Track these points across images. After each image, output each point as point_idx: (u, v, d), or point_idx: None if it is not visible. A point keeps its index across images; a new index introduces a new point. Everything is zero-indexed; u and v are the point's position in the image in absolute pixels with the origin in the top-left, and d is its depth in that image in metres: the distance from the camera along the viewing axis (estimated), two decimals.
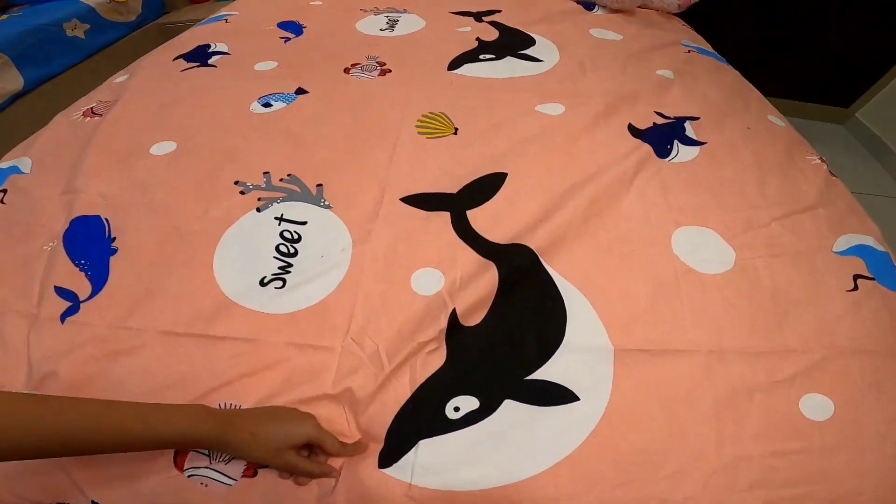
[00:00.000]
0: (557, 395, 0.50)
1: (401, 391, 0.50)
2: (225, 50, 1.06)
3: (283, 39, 1.09)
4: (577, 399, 0.50)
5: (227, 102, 0.85)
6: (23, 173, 0.76)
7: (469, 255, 0.59)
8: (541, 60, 0.99)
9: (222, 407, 0.50)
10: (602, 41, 1.11)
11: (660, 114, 0.86)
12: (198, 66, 1.00)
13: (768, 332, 0.55)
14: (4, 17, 1.77)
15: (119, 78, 1.02)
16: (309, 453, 0.47)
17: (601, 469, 0.47)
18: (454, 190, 0.68)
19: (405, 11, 1.22)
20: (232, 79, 0.94)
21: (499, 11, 1.22)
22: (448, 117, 0.81)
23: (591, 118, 0.82)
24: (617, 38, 1.14)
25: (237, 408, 0.50)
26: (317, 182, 0.69)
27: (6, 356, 0.54)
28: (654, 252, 0.62)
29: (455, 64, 0.96)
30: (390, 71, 0.94)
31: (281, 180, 0.69)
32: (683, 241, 0.64)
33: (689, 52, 1.13)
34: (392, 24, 1.14)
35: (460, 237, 0.61)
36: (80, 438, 0.39)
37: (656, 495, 0.46)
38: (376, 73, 0.94)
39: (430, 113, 0.81)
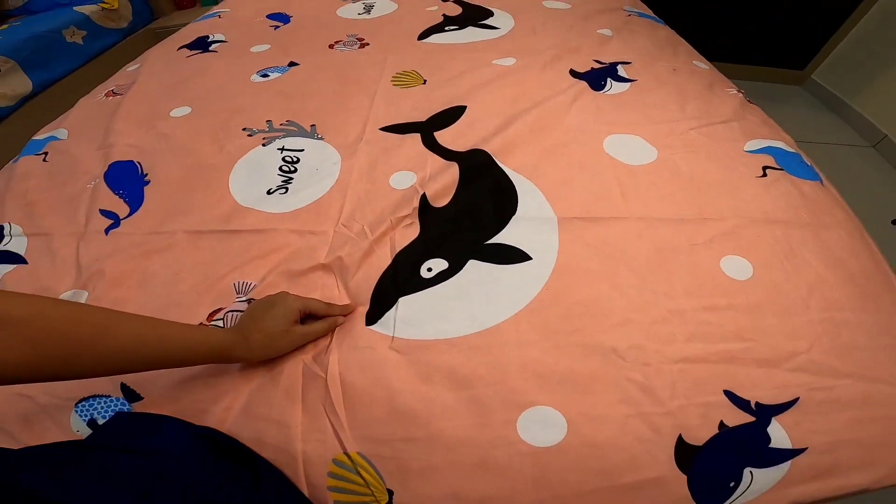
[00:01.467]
0: (513, 255, 0.63)
1: (382, 258, 0.64)
2: (222, 38, 1.24)
3: (274, 27, 1.28)
4: (530, 258, 0.62)
5: (230, 75, 1.04)
6: (60, 140, 0.92)
7: (436, 160, 0.76)
8: (498, 28, 1.17)
9: (237, 286, 0.63)
10: (553, 10, 1.30)
11: (597, 61, 1.03)
12: (201, 53, 1.17)
13: (687, 205, 0.68)
14: (5, 26, 1.96)
15: (131, 67, 1.19)
16: (304, 321, 0.56)
17: (555, 319, 0.56)
18: (421, 119, 0.85)
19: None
20: (232, 58, 1.12)
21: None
22: (419, 73, 0.99)
23: (538, 66, 1.00)
24: (566, 6, 1.32)
25: (250, 286, 0.63)
26: (311, 123, 0.86)
27: (54, 266, 0.68)
28: (588, 151, 0.78)
29: (424, 35, 1.15)
30: (368, 44, 1.12)
31: (281, 124, 0.87)
32: (614, 143, 0.79)
33: (629, 15, 1.32)
34: (368, 9, 1.33)
35: (429, 149, 0.78)
36: (130, 352, 0.43)
37: (606, 342, 0.54)
38: (356, 46, 1.12)
39: (404, 71, 0.99)
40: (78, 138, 0.92)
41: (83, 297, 0.63)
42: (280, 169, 0.77)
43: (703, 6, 2.13)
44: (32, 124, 1.68)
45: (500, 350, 0.54)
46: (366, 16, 1.29)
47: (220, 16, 1.43)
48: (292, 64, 1.06)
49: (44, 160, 0.87)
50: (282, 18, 1.33)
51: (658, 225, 0.66)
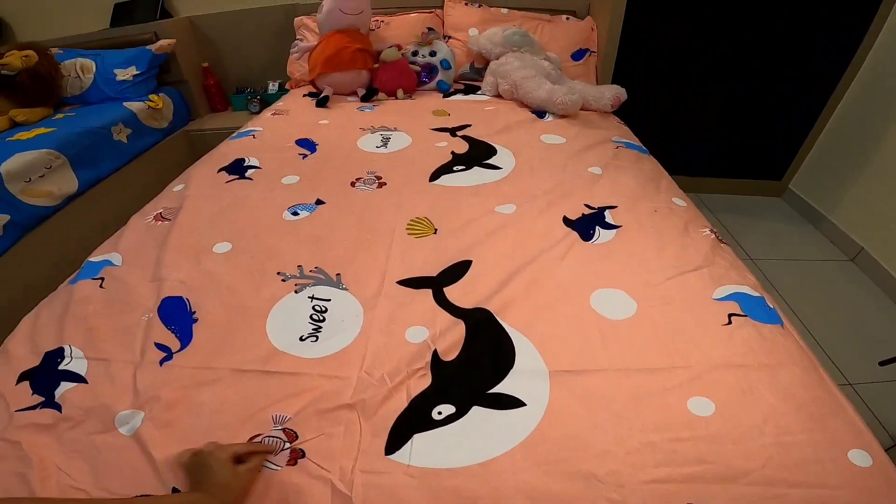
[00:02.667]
0: (510, 402, 0.75)
1: (399, 402, 0.76)
2: (257, 164, 1.43)
3: (302, 156, 1.47)
4: (525, 405, 0.74)
5: (264, 211, 1.20)
6: (115, 265, 1.07)
7: (445, 316, 0.90)
8: (500, 168, 1.37)
9: (274, 417, 0.74)
10: (550, 145, 1.51)
11: (587, 205, 1.21)
12: (238, 179, 1.35)
13: (660, 355, 0.81)
14: (61, 115, 2.19)
15: (176, 187, 1.36)
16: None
17: (545, 451, 0.67)
18: (433, 273, 1.00)
19: (395, 130, 1.63)
20: (266, 190, 1.30)
21: (469, 126, 1.63)
22: (430, 220, 1.16)
23: (535, 213, 1.17)
24: (561, 141, 1.53)
25: (286, 418, 0.75)
26: (336, 272, 1.01)
27: (113, 387, 0.79)
28: (576, 307, 0.91)
29: (434, 175, 1.34)
30: (385, 183, 1.31)
31: (310, 271, 1.01)
32: (599, 298, 0.93)
33: (617, 147, 1.52)
34: (385, 142, 1.53)
35: (439, 305, 0.92)
36: None
37: (588, 469, 0.65)
38: (375, 185, 1.31)
39: (417, 218, 1.17)
40: (131, 265, 1.06)
41: (140, 417, 0.74)
42: (311, 317, 0.90)
43: (681, 122, 2.37)
44: (75, 226, 1.89)
45: (497, 477, 0.65)
46: (383, 149, 1.50)
47: (254, 136, 1.65)
48: (319, 202, 1.23)
49: (100, 285, 1.01)
50: (309, 146, 1.54)
51: (634, 374, 0.79)
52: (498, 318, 0.89)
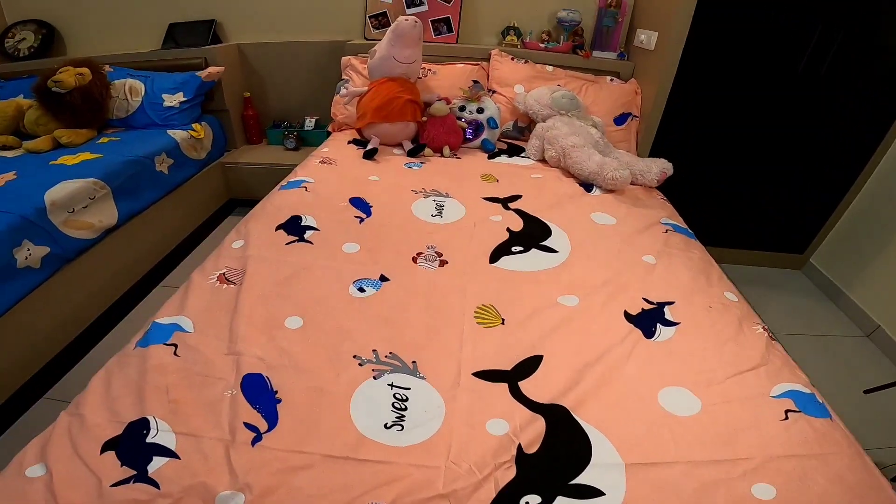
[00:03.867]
0: (591, 492, 0.81)
1: (488, 492, 0.80)
2: (314, 225, 1.47)
3: (358, 219, 1.51)
4: (604, 494, 0.80)
5: (330, 284, 1.24)
6: (186, 331, 1.09)
7: (524, 411, 0.95)
8: (557, 251, 1.41)
9: None
10: (601, 226, 1.55)
11: (646, 300, 1.25)
12: (297, 241, 1.39)
13: (724, 448, 0.88)
14: (105, 139, 2.22)
15: (235, 243, 1.39)
16: None
17: None
18: (508, 367, 1.04)
19: (447, 196, 1.67)
20: (327, 258, 1.33)
21: (520, 197, 1.68)
22: (496, 309, 1.19)
23: (597, 308, 1.21)
24: (612, 221, 1.58)
25: None
26: (412, 360, 1.04)
27: (208, 465, 0.82)
28: (646, 405, 0.97)
29: (494, 256, 1.38)
30: (447, 262, 1.35)
31: (385, 357, 1.05)
32: (666, 397, 0.99)
33: (666, 231, 1.57)
34: (440, 210, 1.57)
35: (516, 399, 0.97)
36: None
37: None
38: (436, 263, 1.34)
39: (483, 305, 1.20)
40: (204, 334, 1.09)
41: (241, 500, 0.77)
42: (393, 405, 0.94)
43: (709, 193, 2.42)
44: (113, 259, 1.94)
45: None
46: (439, 219, 1.54)
47: (305, 188, 1.69)
48: (383, 278, 1.26)
49: (175, 353, 1.03)
50: (363, 207, 1.58)
51: (702, 466, 0.85)
52: (574, 415, 0.94)
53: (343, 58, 2.47)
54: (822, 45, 1.97)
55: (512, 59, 2.38)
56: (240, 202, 2.79)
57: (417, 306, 1.18)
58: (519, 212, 1.60)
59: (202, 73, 2.45)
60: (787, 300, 2.38)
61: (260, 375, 0.98)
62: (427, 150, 2.01)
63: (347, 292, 1.22)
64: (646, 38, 2.26)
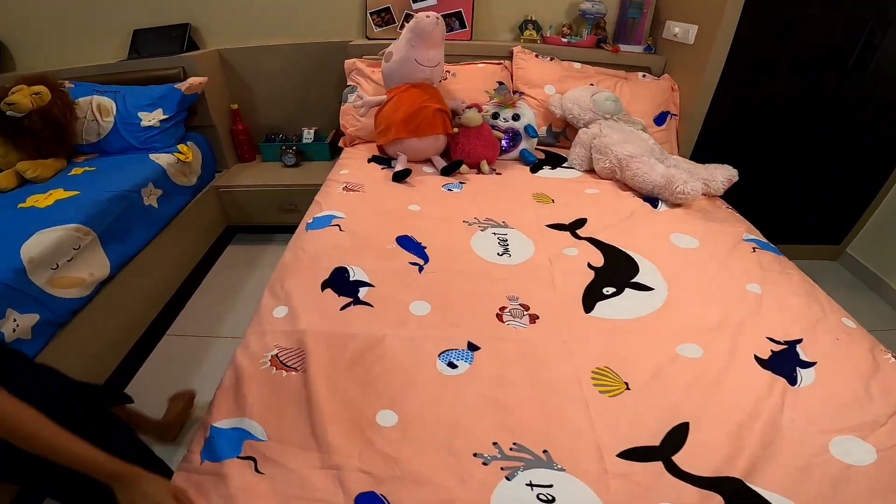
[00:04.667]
0: None
1: None
2: (366, 279, 1.24)
3: (416, 267, 1.29)
4: None
5: (412, 361, 1.02)
6: (258, 439, 0.87)
7: (692, 490, 0.79)
8: (652, 288, 1.24)
9: None
10: (687, 251, 1.39)
11: (771, 339, 1.10)
12: (353, 304, 1.16)
13: None
14: (79, 170, 1.89)
15: (278, 311, 1.15)
16: None
17: None
18: (653, 441, 0.88)
19: (506, 226, 1.48)
20: (397, 325, 1.11)
21: (585, 221, 1.50)
22: (614, 371, 1.01)
23: (724, 356, 1.05)
24: (695, 243, 1.42)
25: None
26: (542, 448, 0.86)
27: None
28: (821, 461, 0.85)
29: (588, 303, 1.19)
30: (538, 317, 1.15)
31: (511, 449, 0.85)
32: (837, 448, 0.87)
33: (753, 249, 1.43)
34: (505, 247, 1.37)
35: (677, 477, 0.81)
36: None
37: None
38: (526, 318, 1.14)
39: (598, 368, 1.02)
40: (284, 443, 0.86)
41: None
42: None
43: (742, 190, 2.30)
44: (113, 315, 1.67)
45: None
46: (508, 259, 1.33)
47: (339, 227, 1.45)
48: (472, 347, 1.06)
49: (256, 469, 0.82)
50: (416, 250, 1.36)
51: None
52: (751, 486, 0.81)
53: (347, 61, 2.21)
54: (871, 40, 1.86)
55: (536, 56, 2.18)
56: (240, 229, 2.51)
57: (523, 379, 0.99)
58: (593, 241, 1.42)
59: (182, 86, 2.14)
60: (826, 290, 2.27)
61: (374, 495, 0.78)
62: (463, 167, 1.79)
63: (436, 370, 1.01)
64: (681, 30, 2.10)
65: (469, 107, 1.86)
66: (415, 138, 1.79)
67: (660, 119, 2.09)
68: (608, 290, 1.24)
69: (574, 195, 1.67)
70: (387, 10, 2.30)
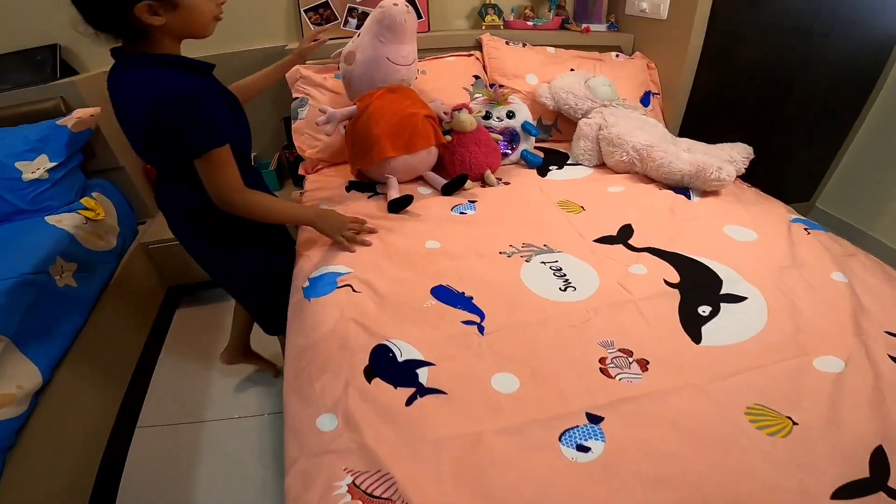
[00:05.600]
0: None
1: None
2: (419, 357, 0.93)
3: (474, 328, 1.00)
4: None
5: (534, 458, 0.75)
6: None
7: None
8: (745, 297, 1.07)
9: None
10: (752, 245, 1.24)
11: (890, 333, 0.97)
12: (418, 394, 0.86)
13: None
14: None
15: (323, 421, 0.81)
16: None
17: None
18: (860, 473, 0.71)
19: (550, 250, 1.23)
20: (491, 415, 0.82)
21: (631, 228, 1.31)
22: (769, 408, 0.82)
23: (867, 364, 0.89)
24: (753, 236, 1.28)
25: None
26: None
27: None
28: None
29: (694, 333, 0.98)
30: (647, 361, 0.92)
31: None
32: None
33: (808, 231, 1.31)
34: (564, 279, 1.13)
35: None
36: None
37: None
38: (635, 367, 0.91)
39: (750, 409, 0.82)
40: None
41: None
42: None
43: None
44: (63, 425, 1.23)
45: None
46: (575, 295, 1.08)
47: (352, 287, 1.11)
48: (594, 418, 0.80)
49: None
50: (464, 303, 1.06)
51: None
52: None
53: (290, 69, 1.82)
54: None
55: (507, 43, 1.94)
56: (186, 289, 2.03)
57: (675, 443, 0.76)
58: (653, 252, 1.22)
59: (68, 121, 1.63)
60: None
61: None
62: (468, 183, 1.52)
63: (567, 459, 0.74)
64: (650, 5, 1.97)
65: (456, 108, 1.58)
66: (406, 155, 1.47)
67: (644, 100, 1.95)
68: (704, 311, 1.04)
69: (600, 197, 1.47)
70: (324, 5, 1.94)
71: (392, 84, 1.52)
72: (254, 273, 1.24)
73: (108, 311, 1.53)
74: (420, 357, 0.93)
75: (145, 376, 1.70)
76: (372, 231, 1.27)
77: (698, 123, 2.01)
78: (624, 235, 1.28)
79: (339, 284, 1.12)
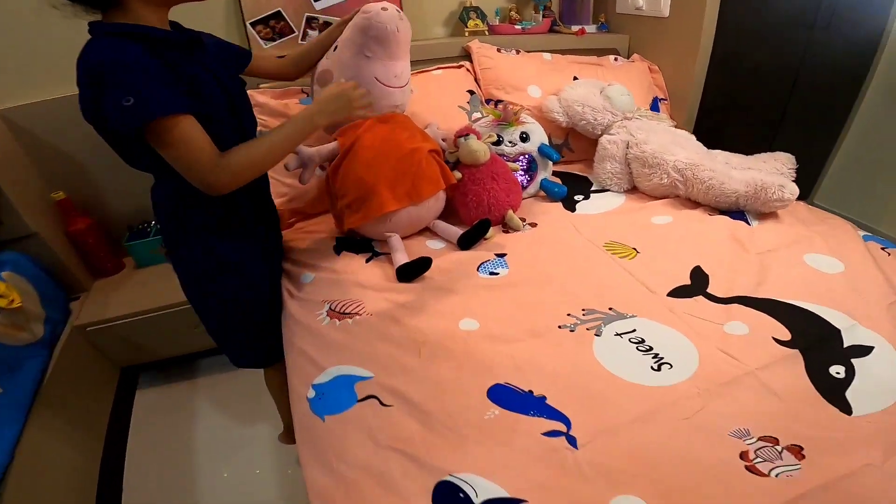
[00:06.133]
0: None
1: None
2: (503, 495, 0.64)
3: (561, 440, 0.72)
4: None
5: None
6: None
7: None
8: (871, 347, 0.86)
9: None
10: (843, 279, 1.03)
11: None
12: None
13: None
14: None
15: None
16: None
17: None
18: None
19: (620, 315, 0.96)
20: None
21: (702, 272, 1.07)
22: None
23: None
24: (837, 264, 1.08)
25: None
26: None
27: None
28: None
29: (840, 403, 0.76)
30: (800, 448, 0.69)
31: None
32: None
33: (886, 252, 1.14)
34: (655, 356, 0.86)
35: None
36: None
37: None
38: (788, 458, 0.67)
39: None
40: None
41: None
42: None
43: None
44: None
45: None
46: (674, 374, 0.82)
47: (380, 400, 0.80)
48: None
49: None
50: (536, 406, 0.77)
51: None
52: None
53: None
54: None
55: (499, 50, 1.67)
56: (144, 367, 1.66)
57: None
58: (744, 301, 0.98)
59: None
60: None
61: None
62: (490, 231, 1.22)
63: None
64: (647, 2, 1.77)
65: (460, 134, 1.29)
66: (412, 206, 1.17)
67: (654, 107, 1.75)
68: (838, 372, 0.82)
69: (649, 233, 1.22)
70: (276, 15, 1.59)
71: (382, 112, 1.22)
72: (231, 294, 1.04)
73: (48, 412, 1.16)
74: (505, 494, 0.65)
75: (114, 470, 1.36)
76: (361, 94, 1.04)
77: (710, 129, 1.82)
78: (700, 283, 1.04)
79: (360, 396, 0.81)
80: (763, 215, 1.27)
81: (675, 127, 1.51)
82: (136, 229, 1.69)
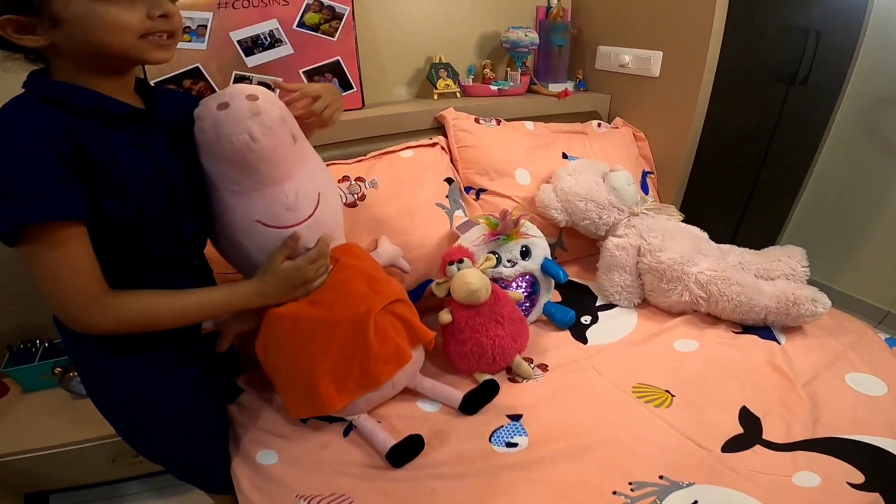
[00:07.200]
0: None
1: None
2: None
3: None
4: None
5: None
6: None
7: None
8: None
9: None
10: (889, 402, 0.91)
11: None
12: None
13: None
14: None
15: None
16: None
17: None
18: None
19: (672, 484, 0.76)
20: None
21: (751, 414, 0.90)
22: None
23: None
24: (878, 384, 0.95)
25: None
26: None
27: None
28: None
29: None
30: None
31: None
32: None
33: None
34: None
35: None
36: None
37: None
38: None
39: None
40: None
41: None
42: None
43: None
44: None
45: None
46: None
47: None
48: None
49: None
50: None
51: None
52: None
53: None
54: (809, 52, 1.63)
55: (477, 120, 1.41)
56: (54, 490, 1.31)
57: None
58: (807, 446, 0.82)
59: None
60: None
61: None
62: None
63: None
64: (634, 59, 1.59)
65: (452, 260, 1.02)
66: (373, 392, 0.87)
67: (643, 184, 1.58)
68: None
69: (679, 368, 1.02)
70: (193, 73, 1.22)
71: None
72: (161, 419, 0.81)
73: None
74: None
75: None
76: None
77: (694, 203, 1.68)
78: (753, 429, 0.86)
79: None
80: (789, 328, 1.12)
81: (684, 221, 1.32)
82: (14, 350, 1.30)
